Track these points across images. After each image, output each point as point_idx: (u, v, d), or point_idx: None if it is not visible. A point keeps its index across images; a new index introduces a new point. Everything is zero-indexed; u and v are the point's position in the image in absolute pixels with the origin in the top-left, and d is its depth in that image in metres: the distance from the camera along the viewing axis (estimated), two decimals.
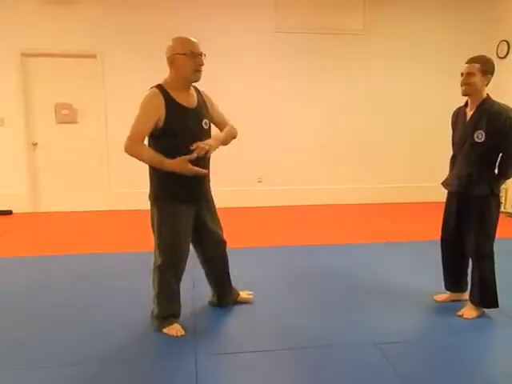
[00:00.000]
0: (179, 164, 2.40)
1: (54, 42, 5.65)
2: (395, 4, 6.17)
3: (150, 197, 2.61)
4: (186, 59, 2.40)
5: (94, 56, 5.76)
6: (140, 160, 2.46)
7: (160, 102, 2.40)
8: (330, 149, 6.35)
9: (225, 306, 2.97)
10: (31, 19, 5.57)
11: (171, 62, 2.44)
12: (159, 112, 2.40)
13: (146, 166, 2.57)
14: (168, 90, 2.44)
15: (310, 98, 6.22)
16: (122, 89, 5.76)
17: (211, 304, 3.01)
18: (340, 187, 6.43)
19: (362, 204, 6.35)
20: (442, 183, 3.02)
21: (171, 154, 2.42)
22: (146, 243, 4.43)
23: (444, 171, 3.10)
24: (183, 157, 2.40)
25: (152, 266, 2.63)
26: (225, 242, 2.86)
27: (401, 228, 5.16)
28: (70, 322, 2.78)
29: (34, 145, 5.85)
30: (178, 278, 2.65)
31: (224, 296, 2.98)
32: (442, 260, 3.01)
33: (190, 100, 2.52)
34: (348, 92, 6.29)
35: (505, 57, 6.04)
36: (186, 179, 2.47)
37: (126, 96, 5.83)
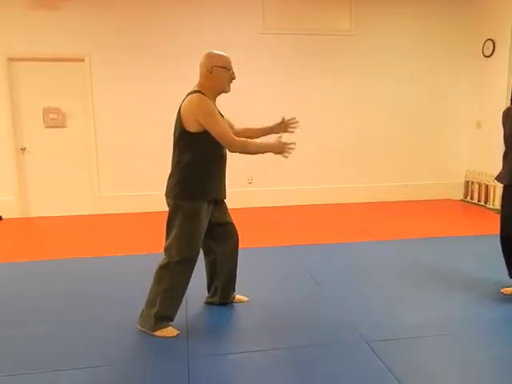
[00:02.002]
0: (279, 149, 2.70)
1: (42, 46, 5.61)
2: (381, 4, 6.22)
3: (170, 194, 2.64)
4: (224, 72, 2.64)
5: (81, 60, 5.73)
6: (247, 153, 2.68)
7: (213, 105, 2.61)
8: (320, 149, 6.38)
9: (227, 303, 3.04)
10: (18, 23, 5.53)
11: (210, 73, 2.61)
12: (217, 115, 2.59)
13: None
14: (208, 97, 2.60)
15: (298, 98, 6.24)
16: (111, 92, 5.74)
17: (210, 303, 3.04)
18: (330, 187, 6.45)
19: (351, 203, 6.39)
20: (496, 178, 3.18)
21: (212, 157, 2.66)
22: (136, 246, 4.44)
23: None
24: (279, 139, 2.69)
25: (161, 263, 2.64)
26: (237, 233, 2.98)
27: (385, 226, 5.20)
28: (60, 326, 2.77)
29: (23, 150, 5.81)
30: (190, 276, 2.68)
31: (230, 292, 3.03)
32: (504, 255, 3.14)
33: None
34: (336, 92, 6.32)
35: (490, 55, 6.11)
36: (216, 179, 2.73)
37: (115, 100, 5.82)
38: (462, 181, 6.75)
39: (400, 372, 2.24)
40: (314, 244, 4.49)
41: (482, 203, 6.33)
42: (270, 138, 2.69)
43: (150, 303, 2.65)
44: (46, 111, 5.78)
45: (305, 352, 2.46)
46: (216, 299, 3.03)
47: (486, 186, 6.26)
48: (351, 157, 6.47)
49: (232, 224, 2.95)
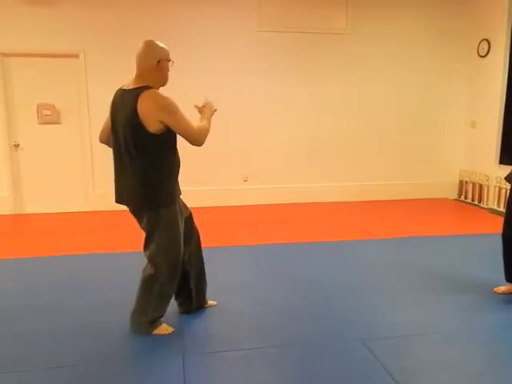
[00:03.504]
0: (210, 111, 2.60)
1: (36, 42, 5.56)
2: (377, 4, 6.22)
3: (143, 203, 2.47)
4: (168, 65, 2.52)
5: (76, 56, 5.69)
6: (207, 135, 2.50)
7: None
8: (315, 147, 6.38)
9: (199, 308, 2.91)
10: (12, 19, 5.48)
11: (160, 66, 2.46)
12: None
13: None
14: None
15: (294, 96, 6.23)
16: (105, 89, 5.65)
17: (185, 311, 2.88)
18: (325, 185, 6.46)
19: (346, 202, 6.40)
20: (505, 178, 3.13)
21: (171, 153, 2.50)
22: (129, 243, 4.41)
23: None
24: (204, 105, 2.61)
25: (148, 274, 2.55)
26: (197, 228, 2.87)
27: (380, 225, 5.21)
28: (55, 323, 2.75)
29: (16, 146, 5.76)
30: (178, 278, 2.62)
31: (204, 293, 2.92)
32: (504, 254, 3.12)
33: None
34: (331, 90, 6.31)
35: (485, 55, 6.14)
36: (176, 179, 2.56)
37: (109, 96, 5.74)
38: (457, 180, 6.78)
39: (394, 370, 2.25)
40: (310, 242, 4.50)
41: (476, 203, 6.36)
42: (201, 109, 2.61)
43: (141, 312, 2.59)
44: (40, 107, 5.73)
45: (300, 350, 2.47)
46: (190, 304, 2.88)
47: (480, 186, 6.29)
48: (346, 155, 6.48)
49: (191, 217, 2.78)
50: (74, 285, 3.38)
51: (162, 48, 2.51)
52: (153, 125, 2.34)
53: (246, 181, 6.30)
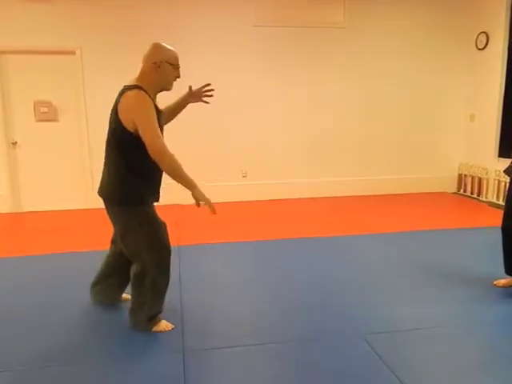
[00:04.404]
0: (206, 197, 2.42)
1: (32, 39, 5.53)
2: None
3: (111, 199, 2.53)
4: (173, 69, 2.48)
5: (73, 52, 5.67)
6: (169, 169, 2.36)
7: (152, 104, 2.40)
8: (314, 142, 6.37)
9: (115, 301, 2.94)
10: (8, 16, 5.45)
11: (158, 67, 2.44)
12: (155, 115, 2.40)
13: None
14: (149, 94, 2.42)
15: (292, 91, 6.21)
16: (102, 85, 5.68)
17: (99, 301, 2.92)
18: (324, 180, 6.46)
19: (345, 196, 6.40)
20: (505, 171, 3.12)
21: (146, 160, 2.39)
22: None
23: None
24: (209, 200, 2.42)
25: (136, 272, 2.55)
26: None
27: (380, 220, 5.21)
28: (54, 321, 2.74)
29: (14, 144, 5.75)
30: (170, 270, 2.63)
31: (121, 290, 2.92)
32: (503, 247, 3.11)
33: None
34: (330, 85, 6.30)
35: (484, 48, 6.12)
36: (156, 184, 2.58)
37: (107, 93, 5.71)
38: (456, 174, 6.78)
39: (395, 364, 2.25)
40: (309, 237, 4.49)
41: (475, 196, 6.36)
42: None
43: (138, 310, 2.60)
44: (37, 105, 5.71)
45: (300, 346, 2.46)
46: (107, 296, 2.90)
47: (479, 179, 6.29)
48: (345, 150, 6.47)
49: None
50: (72, 282, 3.37)
51: (166, 51, 2.47)
52: (129, 124, 2.36)
53: (244, 177, 6.29)
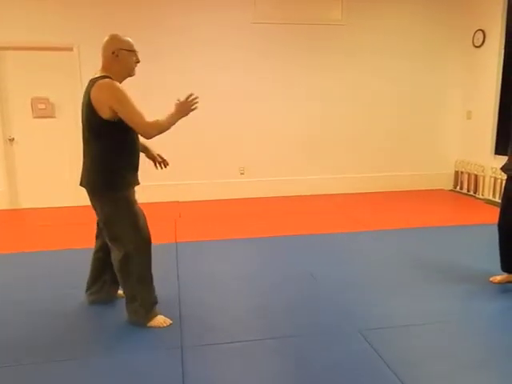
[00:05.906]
0: (184, 107, 2.51)
1: (30, 35, 5.51)
2: None
3: (95, 186, 2.56)
4: (130, 55, 2.59)
5: (70, 49, 5.65)
6: (164, 131, 2.50)
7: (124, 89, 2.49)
8: (312, 139, 6.38)
9: (112, 300, 2.95)
10: (5, 12, 5.42)
11: (116, 56, 2.56)
12: None
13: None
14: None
15: (290, 88, 6.21)
16: None
17: (94, 300, 2.92)
18: (322, 177, 6.47)
19: (343, 194, 6.41)
20: (501, 168, 3.12)
21: (123, 146, 2.52)
22: None
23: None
24: (181, 101, 2.52)
25: (118, 257, 2.57)
26: None
27: (377, 217, 5.23)
28: (48, 317, 2.75)
29: (11, 140, 5.73)
30: (151, 257, 2.66)
31: (117, 288, 2.93)
32: (500, 244, 3.14)
33: None
34: (328, 82, 6.30)
35: (480, 46, 6.13)
36: (135, 168, 2.63)
37: None
38: (452, 171, 6.80)
39: (392, 360, 2.27)
40: (307, 234, 4.51)
41: (472, 193, 6.39)
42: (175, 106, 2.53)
43: (131, 298, 2.64)
44: (35, 101, 5.69)
45: (298, 341, 2.48)
46: (102, 295, 2.93)
47: (476, 176, 6.32)
48: (342, 147, 6.48)
49: None
50: (71, 278, 3.37)
51: (120, 40, 2.60)
52: (105, 112, 2.43)
53: (242, 174, 6.30)
